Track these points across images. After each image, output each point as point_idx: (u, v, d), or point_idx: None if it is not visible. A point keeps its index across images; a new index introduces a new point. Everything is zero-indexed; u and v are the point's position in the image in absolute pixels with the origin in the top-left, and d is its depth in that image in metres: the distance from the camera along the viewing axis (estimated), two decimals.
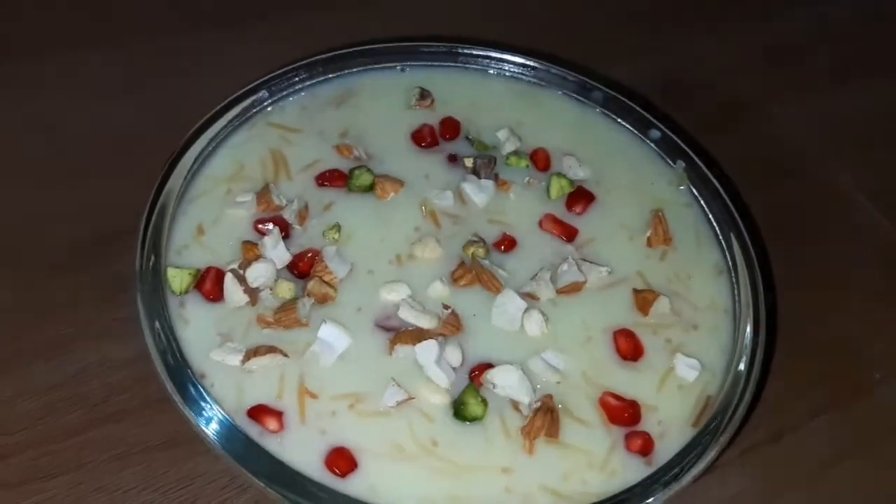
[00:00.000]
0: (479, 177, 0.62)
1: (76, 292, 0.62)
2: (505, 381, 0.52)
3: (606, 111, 0.67)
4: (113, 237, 0.57)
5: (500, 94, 0.67)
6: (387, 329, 0.54)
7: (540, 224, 0.60)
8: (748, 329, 0.56)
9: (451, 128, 0.64)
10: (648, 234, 0.61)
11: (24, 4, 0.80)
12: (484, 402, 0.52)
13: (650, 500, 0.50)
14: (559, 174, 0.62)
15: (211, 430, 0.49)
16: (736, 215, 0.61)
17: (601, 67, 0.76)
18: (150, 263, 0.53)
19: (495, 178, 0.62)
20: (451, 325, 0.54)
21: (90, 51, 0.77)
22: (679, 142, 0.64)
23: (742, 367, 0.55)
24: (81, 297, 0.62)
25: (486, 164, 0.62)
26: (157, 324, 0.51)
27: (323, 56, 0.64)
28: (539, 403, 0.52)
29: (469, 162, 0.62)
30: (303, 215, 0.58)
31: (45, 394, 0.58)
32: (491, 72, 0.68)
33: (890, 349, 0.69)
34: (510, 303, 0.55)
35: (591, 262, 0.59)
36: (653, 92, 0.77)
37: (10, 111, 0.72)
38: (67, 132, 0.72)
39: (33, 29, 0.79)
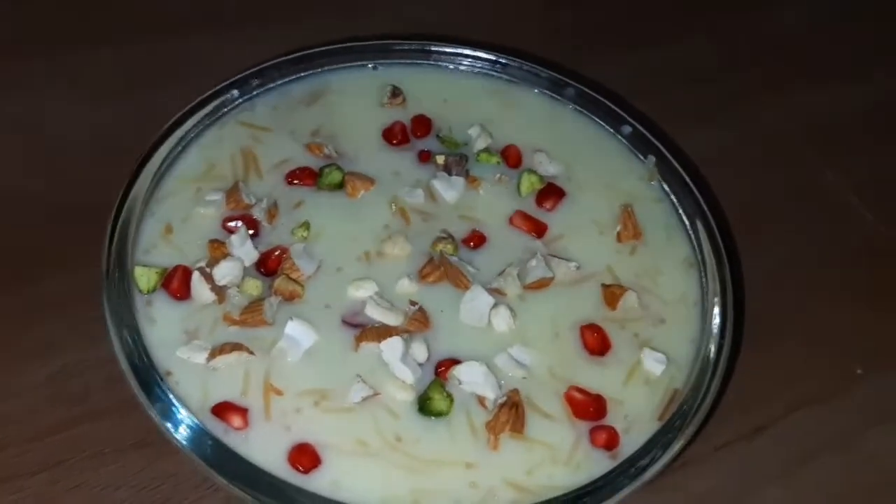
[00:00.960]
0: (451, 174, 0.62)
1: (59, 292, 0.63)
2: (470, 378, 0.52)
3: (579, 107, 0.66)
4: (91, 237, 0.57)
5: (472, 91, 0.67)
6: (354, 326, 0.54)
7: (510, 220, 0.61)
8: (715, 316, 0.56)
9: (422, 125, 0.64)
10: (618, 229, 0.61)
11: (6, 4, 0.81)
12: (449, 397, 0.52)
13: (616, 494, 0.50)
14: (530, 171, 0.62)
15: (175, 428, 0.49)
16: (704, 207, 0.61)
17: (582, 64, 0.76)
18: (117, 263, 0.53)
19: (466, 174, 0.62)
20: (417, 322, 0.54)
21: (73, 52, 0.77)
22: (650, 136, 0.64)
23: (710, 354, 0.54)
24: (60, 298, 0.62)
25: (458, 162, 0.62)
26: (122, 323, 0.51)
27: (293, 56, 0.65)
28: (504, 398, 0.52)
29: (440, 159, 0.63)
30: (272, 213, 0.58)
31: (24, 394, 0.59)
32: (463, 69, 0.68)
33: (871, 344, 0.69)
34: (478, 298, 0.55)
35: (559, 258, 0.59)
36: (633, 88, 0.77)
37: None
38: (48, 132, 0.72)
39: (16, 28, 0.79)
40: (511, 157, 0.64)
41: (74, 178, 0.69)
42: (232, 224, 0.57)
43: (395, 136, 0.64)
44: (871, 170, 0.81)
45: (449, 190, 0.61)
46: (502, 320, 0.55)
